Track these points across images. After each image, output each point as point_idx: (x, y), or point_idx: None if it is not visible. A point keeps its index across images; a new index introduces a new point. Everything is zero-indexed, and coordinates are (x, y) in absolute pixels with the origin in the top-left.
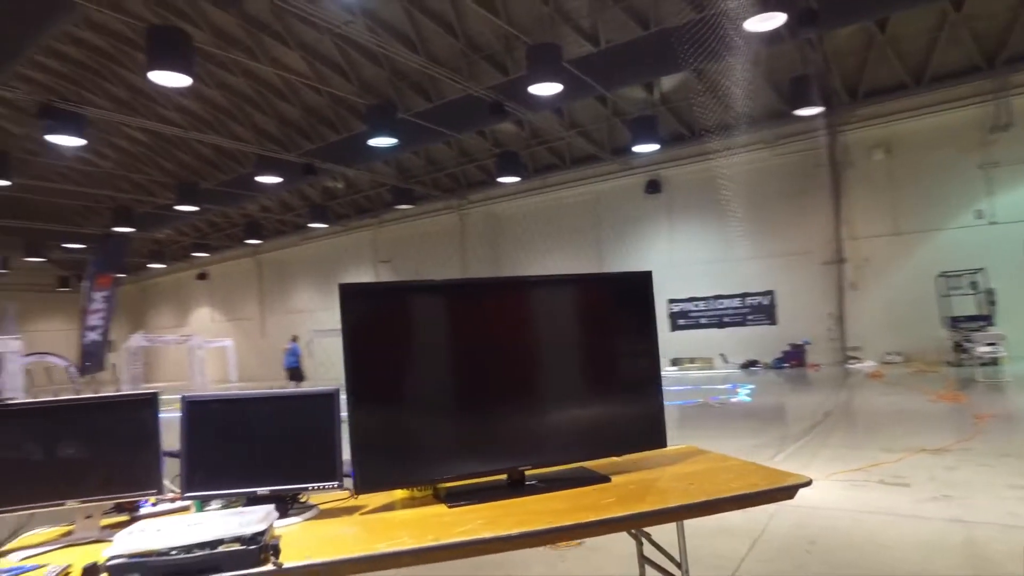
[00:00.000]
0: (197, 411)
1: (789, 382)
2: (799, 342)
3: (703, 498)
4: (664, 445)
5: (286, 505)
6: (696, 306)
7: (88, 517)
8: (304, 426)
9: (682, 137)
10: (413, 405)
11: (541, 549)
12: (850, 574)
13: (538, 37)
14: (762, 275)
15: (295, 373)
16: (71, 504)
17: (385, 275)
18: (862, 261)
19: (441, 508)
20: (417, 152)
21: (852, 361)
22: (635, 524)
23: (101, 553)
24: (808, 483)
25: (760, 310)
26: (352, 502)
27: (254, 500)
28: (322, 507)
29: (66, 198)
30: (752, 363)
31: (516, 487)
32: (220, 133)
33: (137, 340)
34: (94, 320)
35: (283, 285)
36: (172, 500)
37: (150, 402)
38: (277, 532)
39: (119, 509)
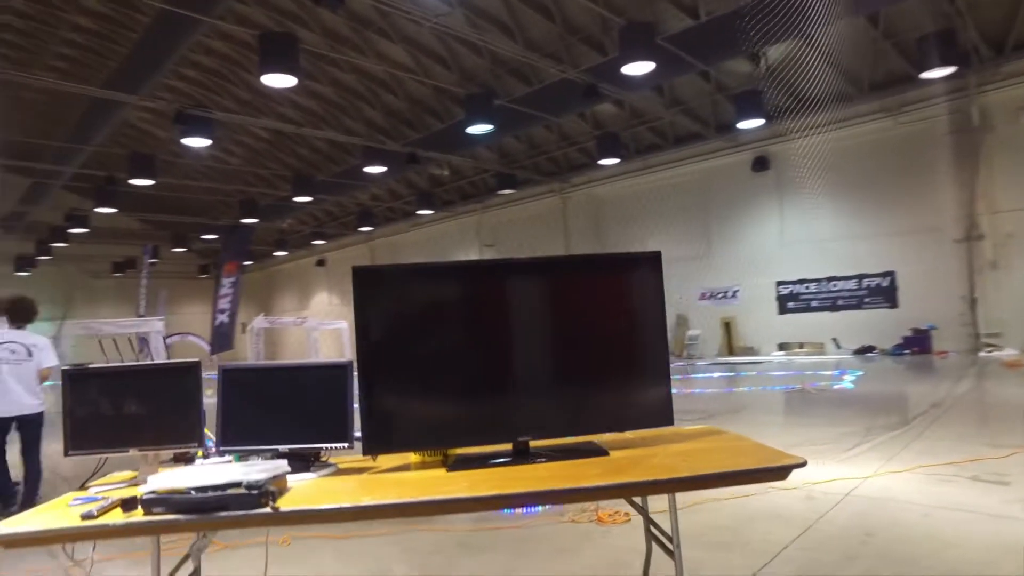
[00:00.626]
0: (231, 377)
1: (907, 370)
2: (923, 327)
3: (685, 474)
4: (671, 423)
5: (308, 462)
6: (807, 288)
7: (149, 464)
8: (321, 393)
9: (792, 110)
10: (418, 377)
11: (588, 523)
12: (899, 571)
13: (635, 15)
14: (882, 255)
15: None
16: (132, 452)
17: (488, 258)
18: (1004, 238)
19: (441, 472)
20: (518, 137)
21: (989, 348)
22: (608, 495)
23: (138, 490)
24: (802, 464)
25: (879, 292)
26: (369, 463)
27: (281, 456)
28: (341, 466)
29: (204, 194)
30: (868, 349)
31: (520, 457)
32: (333, 127)
33: (259, 322)
34: (223, 304)
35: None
36: (220, 453)
37: (193, 369)
38: (294, 484)
39: (177, 460)
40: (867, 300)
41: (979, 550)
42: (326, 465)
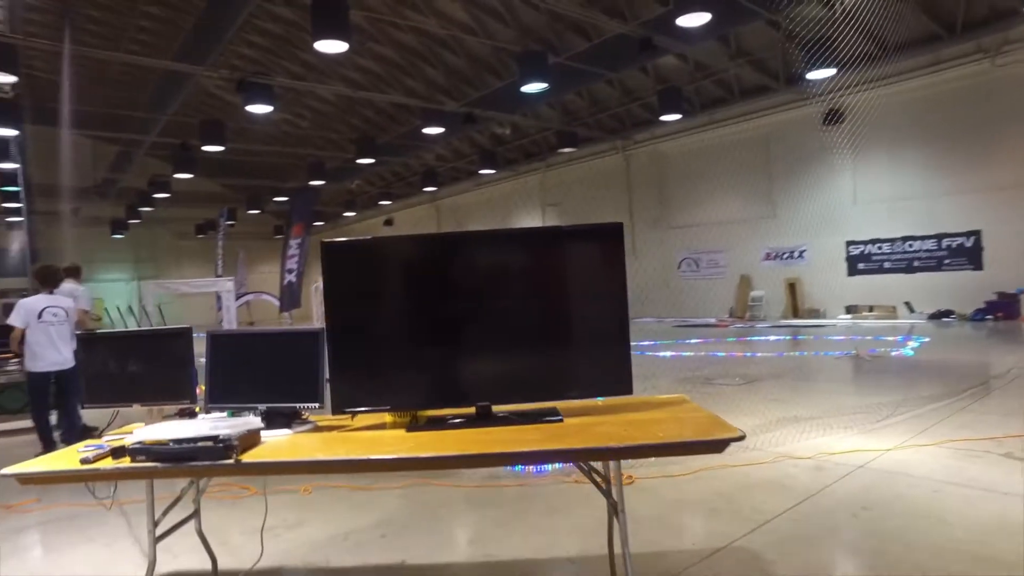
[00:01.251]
0: (218, 342)
1: (984, 337)
2: (1011, 291)
3: (617, 443)
4: (630, 392)
5: (289, 419)
6: (879, 248)
7: (153, 418)
8: (295, 357)
9: (870, 57)
10: (383, 343)
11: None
12: (878, 546)
13: None
14: (966, 213)
15: None
16: (136, 406)
17: (552, 219)
18: None
19: (402, 432)
20: (580, 94)
21: None
22: (537, 459)
23: (126, 440)
24: (740, 438)
25: (961, 253)
26: (346, 421)
27: (266, 414)
28: (321, 424)
29: (276, 157)
30: (945, 314)
31: (478, 420)
32: (395, 88)
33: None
34: (291, 264)
35: (459, 229)
36: (210, 410)
37: (184, 335)
38: (271, 438)
39: (181, 414)
40: (947, 261)
41: (975, 529)
42: (306, 423)
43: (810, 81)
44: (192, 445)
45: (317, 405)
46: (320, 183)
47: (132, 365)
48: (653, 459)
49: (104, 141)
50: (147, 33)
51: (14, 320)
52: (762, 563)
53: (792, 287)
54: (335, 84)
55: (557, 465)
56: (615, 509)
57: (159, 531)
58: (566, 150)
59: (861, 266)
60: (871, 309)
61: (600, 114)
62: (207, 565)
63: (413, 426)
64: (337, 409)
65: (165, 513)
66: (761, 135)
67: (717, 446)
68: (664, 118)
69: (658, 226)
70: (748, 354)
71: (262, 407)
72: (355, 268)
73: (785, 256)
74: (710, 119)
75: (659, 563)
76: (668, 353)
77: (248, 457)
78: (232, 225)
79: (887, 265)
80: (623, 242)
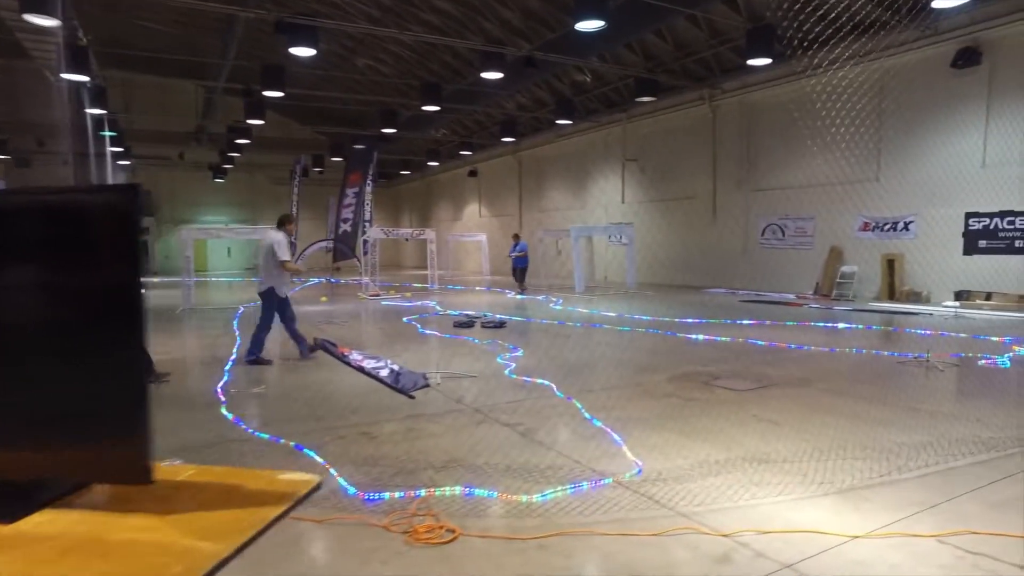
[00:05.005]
0: None
1: None
2: None
3: None
4: (146, 481)
5: None
6: (1011, 223)
7: None
8: None
9: None
10: None
11: (400, 533)
12: None
13: None
14: None
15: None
16: None
17: (631, 174)
18: None
19: None
20: (663, 36)
21: None
22: None
23: None
24: None
25: None
26: None
27: None
28: None
29: (362, 105)
30: None
31: None
32: (472, 31)
33: (375, 233)
34: (345, 213)
35: (539, 182)
36: None
37: None
38: None
39: None
40: None
41: None
42: None
43: (938, 12)
44: None
45: None
46: (392, 131)
47: None
48: (502, 511)
49: (201, 88)
50: None
51: None
52: None
53: (891, 264)
54: (413, 28)
55: (387, 496)
56: None
57: None
58: (645, 99)
59: (983, 243)
60: (988, 297)
61: (686, 59)
62: None
63: None
64: None
65: None
66: (873, 81)
67: None
68: (752, 62)
69: (742, 187)
70: (792, 345)
71: None
72: None
73: (886, 227)
74: (812, 63)
75: None
76: (702, 336)
77: None
78: (321, 172)
79: (1019, 244)
80: (136, 219)
